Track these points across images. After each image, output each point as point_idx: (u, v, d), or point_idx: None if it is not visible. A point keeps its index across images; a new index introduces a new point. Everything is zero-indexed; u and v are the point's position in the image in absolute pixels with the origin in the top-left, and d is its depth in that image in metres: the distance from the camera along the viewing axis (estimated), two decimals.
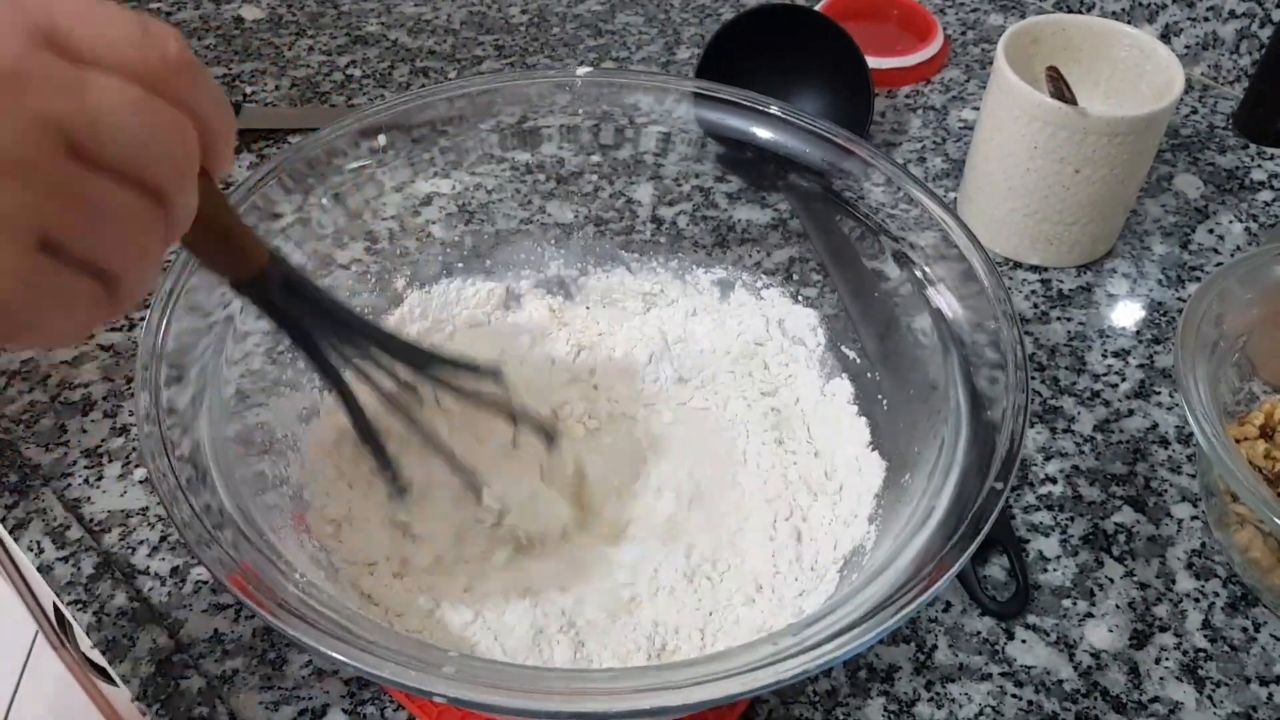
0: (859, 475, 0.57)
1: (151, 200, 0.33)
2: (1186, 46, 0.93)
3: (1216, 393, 0.59)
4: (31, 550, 0.60)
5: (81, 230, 0.32)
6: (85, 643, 0.78)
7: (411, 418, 0.53)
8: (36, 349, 0.33)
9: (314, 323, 0.48)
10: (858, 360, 0.62)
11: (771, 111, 0.64)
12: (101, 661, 0.60)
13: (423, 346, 0.54)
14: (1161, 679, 0.57)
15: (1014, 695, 0.56)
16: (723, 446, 0.61)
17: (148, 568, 0.60)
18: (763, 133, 0.64)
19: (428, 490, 0.56)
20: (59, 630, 0.80)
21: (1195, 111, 0.91)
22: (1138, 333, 0.74)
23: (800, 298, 0.66)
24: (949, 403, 0.52)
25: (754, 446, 0.60)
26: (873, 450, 0.58)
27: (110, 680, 0.79)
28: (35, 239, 0.31)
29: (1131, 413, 0.69)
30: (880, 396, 0.60)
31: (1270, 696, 0.57)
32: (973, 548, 0.43)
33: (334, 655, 0.40)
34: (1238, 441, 0.62)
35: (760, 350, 0.65)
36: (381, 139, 0.61)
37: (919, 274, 0.58)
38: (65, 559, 0.60)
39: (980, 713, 0.56)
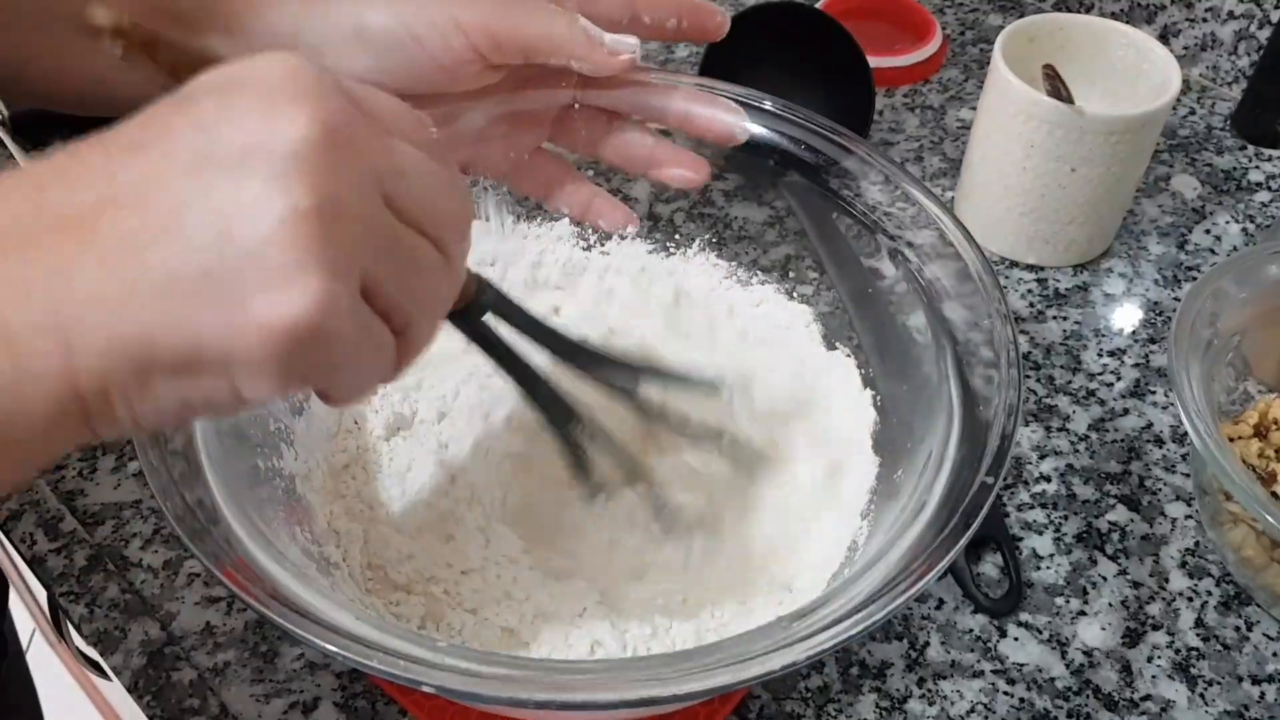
0: (853, 470, 0.57)
1: (442, 253, 0.36)
2: (1185, 47, 0.93)
3: (1210, 392, 0.59)
4: (25, 542, 0.60)
5: (396, 274, 0.34)
6: (79, 638, 0.78)
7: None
8: (328, 402, 0.36)
9: (517, 340, 0.51)
10: (853, 357, 0.62)
11: (770, 109, 0.64)
12: (95, 655, 0.60)
13: (638, 363, 0.56)
14: (1154, 677, 0.57)
15: (1006, 693, 0.56)
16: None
17: (140, 560, 0.60)
18: (761, 130, 0.64)
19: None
20: (54, 625, 0.80)
21: (1193, 112, 0.91)
22: (1133, 332, 0.74)
23: (796, 295, 0.66)
24: (942, 400, 0.52)
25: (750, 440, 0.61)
26: (867, 445, 0.58)
27: (104, 674, 0.79)
28: (360, 280, 0.33)
29: (1126, 412, 0.69)
30: (875, 393, 0.59)
31: (1262, 695, 0.57)
32: (963, 542, 0.43)
33: (323, 646, 0.40)
34: (1232, 440, 0.62)
35: (757, 346, 0.66)
36: None
37: (915, 272, 0.58)
38: (58, 551, 0.60)
39: (972, 710, 0.56)
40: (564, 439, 0.54)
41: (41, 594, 1.20)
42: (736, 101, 0.64)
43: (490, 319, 0.49)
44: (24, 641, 1.42)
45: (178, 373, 0.32)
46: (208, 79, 0.33)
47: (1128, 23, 0.86)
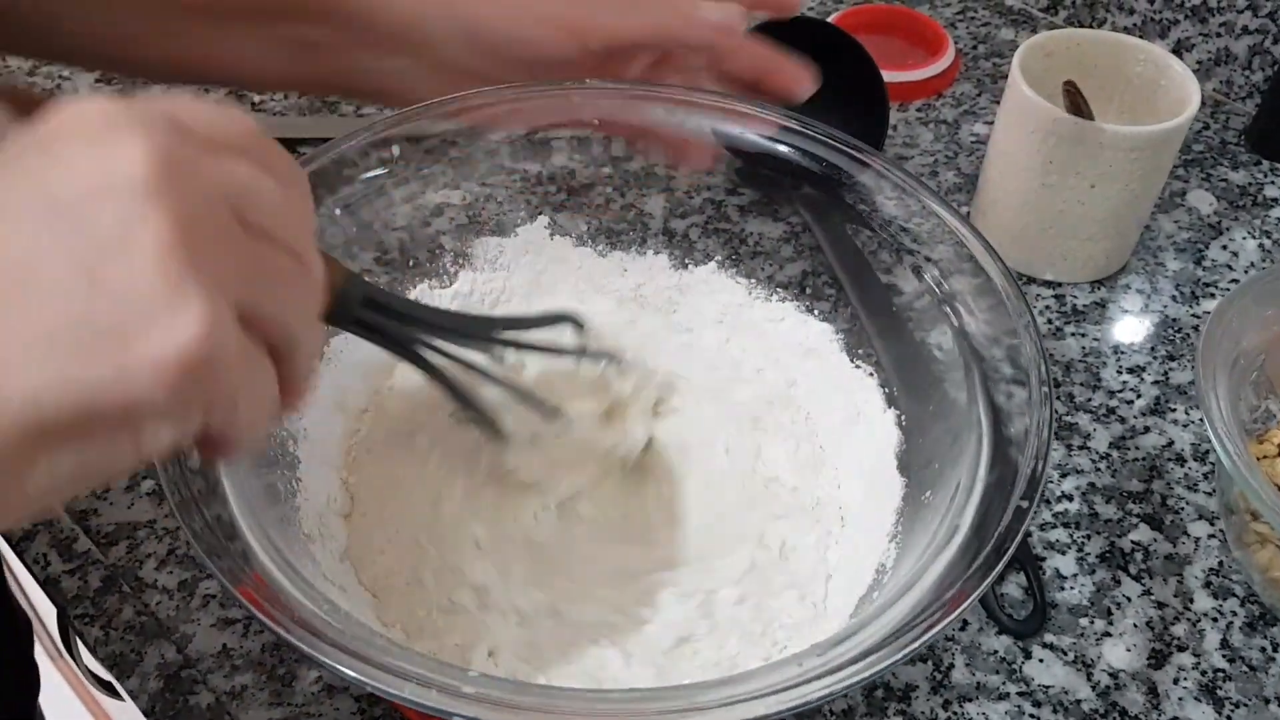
0: (879, 492, 0.56)
1: (297, 257, 0.35)
2: (1199, 62, 0.93)
3: (1236, 410, 0.58)
4: (38, 563, 0.60)
5: (266, 290, 0.33)
6: (88, 656, 0.77)
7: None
8: (228, 448, 0.35)
9: (399, 327, 0.52)
10: (874, 375, 0.62)
11: (784, 123, 0.63)
12: (107, 675, 0.59)
13: (497, 316, 0.59)
14: (1180, 699, 0.57)
15: (1032, 715, 0.56)
16: (744, 460, 0.60)
17: (156, 581, 0.59)
18: (777, 144, 0.64)
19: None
20: (63, 642, 0.79)
21: (1207, 127, 0.91)
22: (1152, 349, 0.74)
23: (815, 312, 0.65)
24: (970, 419, 0.51)
25: (776, 459, 0.60)
26: (892, 466, 0.57)
27: (114, 694, 0.79)
28: (233, 305, 0.32)
29: (1147, 429, 0.69)
30: (898, 412, 0.59)
31: None
32: (999, 568, 0.43)
33: (351, 674, 0.39)
34: (1258, 460, 0.61)
35: (781, 365, 0.65)
36: (395, 149, 0.61)
37: (936, 287, 0.57)
38: (72, 571, 0.59)
39: None
40: (475, 412, 0.56)
41: (45, 610, 1.19)
42: (751, 115, 0.64)
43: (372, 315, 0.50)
44: None
45: (71, 434, 0.30)
46: (19, 141, 0.32)
47: (1141, 38, 0.86)
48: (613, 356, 0.61)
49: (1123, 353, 0.73)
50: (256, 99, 0.90)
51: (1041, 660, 0.58)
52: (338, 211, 0.59)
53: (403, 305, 0.53)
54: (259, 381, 0.34)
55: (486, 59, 0.59)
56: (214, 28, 0.60)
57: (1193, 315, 0.76)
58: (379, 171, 0.61)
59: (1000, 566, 0.43)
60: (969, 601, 0.42)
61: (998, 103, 0.76)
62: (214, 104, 0.35)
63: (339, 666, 0.39)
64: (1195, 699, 0.57)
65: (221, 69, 0.63)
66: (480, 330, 0.56)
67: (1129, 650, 0.58)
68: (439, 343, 0.53)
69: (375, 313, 0.49)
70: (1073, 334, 0.74)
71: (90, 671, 0.82)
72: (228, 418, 0.33)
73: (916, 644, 0.40)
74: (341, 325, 0.49)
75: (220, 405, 0.32)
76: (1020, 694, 0.56)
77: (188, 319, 0.30)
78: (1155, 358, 0.73)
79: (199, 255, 0.30)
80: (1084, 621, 0.59)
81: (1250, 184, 0.86)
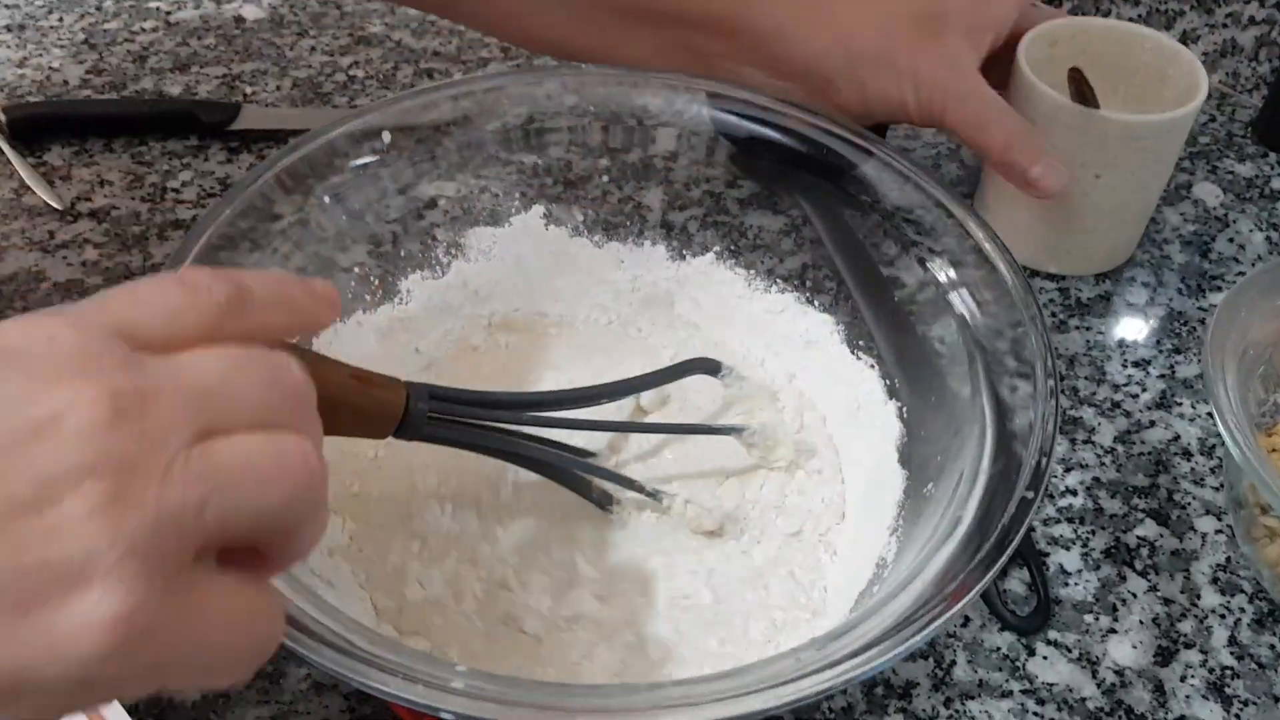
0: (879, 484, 0.55)
1: (285, 430, 0.31)
2: (1204, 53, 0.92)
3: (1245, 403, 0.57)
4: None
5: (240, 500, 0.30)
6: None
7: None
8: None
9: (471, 424, 0.50)
10: (875, 367, 0.60)
11: (784, 110, 0.62)
12: None
13: (613, 382, 0.56)
14: (1187, 697, 0.56)
15: (1036, 713, 0.55)
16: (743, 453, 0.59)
17: None
18: (778, 134, 0.63)
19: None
20: None
21: (1213, 119, 0.90)
22: (1158, 342, 0.73)
23: (815, 303, 0.64)
24: (974, 411, 0.50)
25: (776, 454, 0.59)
26: (893, 459, 0.56)
27: None
28: (192, 541, 0.29)
29: (1153, 424, 0.68)
30: (899, 404, 0.58)
31: None
32: (1002, 561, 0.42)
33: (337, 670, 0.38)
34: (1267, 452, 0.60)
35: (780, 357, 0.64)
36: (386, 136, 0.60)
37: (941, 278, 0.56)
38: None
39: None
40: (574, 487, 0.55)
41: None
42: (751, 103, 0.63)
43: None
44: None
45: None
46: None
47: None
48: (746, 428, 0.58)
49: (1128, 346, 0.72)
50: (249, 90, 0.89)
51: (1045, 658, 0.57)
52: (327, 200, 0.58)
53: (476, 398, 0.50)
54: (217, 642, 0.30)
55: (867, 102, 0.66)
56: (618, 24, 0.66)
57: (1199, 308, 0.75)
58: (369, 160, 0.60)
59: (1003, 560, 0.42)
60: (971, 595, 0.41)
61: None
62: (176, 287, 0.32)
63: (326, 663, 0.38)
64: (1203, 697, 0.56)
65: (611, 57, 0.67)
66: (597, 399, 0.54)
67: (1135, 647, 0.57)
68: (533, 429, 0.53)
69: (448, 412, 0.47)
70: (1077, 327, 0.73)
71: None
72: (178, 678, 0.30)
73: (917, 639, 0.39)
74: (415, 439, 0.47)
75: (164, 668, 0.29)
76: (1024, 692, 0.55)
77: (103, 593, 0.26)
78: (1161, 351, 0.72)
79: (135, 513, 0.27)
80: (1089, 618, 0.58)
81: (1257, 176, 0.85)
